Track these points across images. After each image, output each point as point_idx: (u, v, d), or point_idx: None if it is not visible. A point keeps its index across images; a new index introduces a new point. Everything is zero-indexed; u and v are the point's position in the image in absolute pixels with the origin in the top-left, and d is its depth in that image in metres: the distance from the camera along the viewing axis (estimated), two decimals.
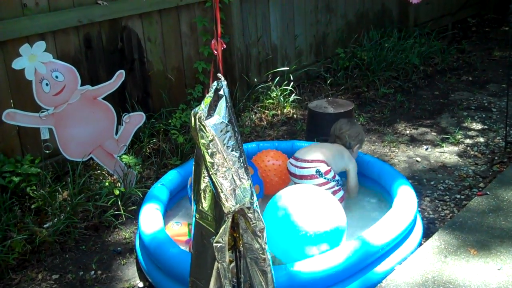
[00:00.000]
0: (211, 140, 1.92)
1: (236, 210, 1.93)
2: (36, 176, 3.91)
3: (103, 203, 3.83)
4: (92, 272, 3.37)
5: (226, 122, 1.95)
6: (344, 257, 2.88)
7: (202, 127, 1.92)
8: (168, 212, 3.75)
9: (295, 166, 3.58)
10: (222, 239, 1.97)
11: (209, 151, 1.92)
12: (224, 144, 1.93)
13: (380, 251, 3.02)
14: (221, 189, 1.92)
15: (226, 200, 1.91)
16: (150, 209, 3.40)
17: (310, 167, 3.51)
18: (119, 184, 4.09)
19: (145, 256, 3.25)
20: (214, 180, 1.93)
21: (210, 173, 1.93)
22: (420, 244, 3.29)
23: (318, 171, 3.49)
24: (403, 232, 3.16)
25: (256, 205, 1.96)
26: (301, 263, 2.84)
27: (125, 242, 3.64)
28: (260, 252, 2.00)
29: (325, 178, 3.50)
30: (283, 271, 2.78)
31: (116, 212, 3.82)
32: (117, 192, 3.91)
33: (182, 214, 3.83)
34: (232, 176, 1.92)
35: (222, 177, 1.92)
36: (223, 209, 1.92)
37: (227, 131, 1.94)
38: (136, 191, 3.99)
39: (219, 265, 2.00)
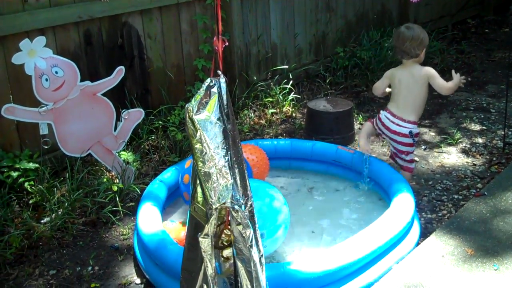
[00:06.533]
0: (199, 136, 1.92)
1: (217, 207, 1.93)
2: (34, 171, 3.91)
3: (101, 199, 3.83)
4: (90, 268, 3.37)
5: (216, 119, 1.94)
6: (341, 257, 2.89)
7: (191, 122, 1.92)
8: (166, 209, 3.75)
9: (392, 121, 3.83)
10: (208, 234, 1.99)
11: (197, 146, 1.93)
12: (211, 141, 1.93)
13: (378, 250, 3.03)
14: (205, 185, 1.93)
15: (210, 196, 1.93)
16: (148, 206, 3.40)
17: (406, 127, 3.80)
18: (117, 180, 4.09)
19: (142, 253, 3.25)
20: (199, 175, 1.94)
21: (197, 168, 1.95)
22: (417, 244, 3.30)
23: (410, 133, 3.81)
24: (401, 231, 3.17)
25: (243, 206, 1.95)
26: (298, 263, 2.84)
27: (123, 239, 3.64)
28: (247, 253, 2.00)
29: (413, 140, 3.84)
30: (279, 269, 2.79)
31: (114, 208, 3.82)
32: (115, 188, 3.91)
33: (180, 211, 3.83)
34: (216, 174, 1.92)
35: (207, 174, 1.93)
36: (207, 205, 1.94)
37: (215, 128, 1.94)
38: (134, 188, 3.99)
39: (206, 259, 2.02)
